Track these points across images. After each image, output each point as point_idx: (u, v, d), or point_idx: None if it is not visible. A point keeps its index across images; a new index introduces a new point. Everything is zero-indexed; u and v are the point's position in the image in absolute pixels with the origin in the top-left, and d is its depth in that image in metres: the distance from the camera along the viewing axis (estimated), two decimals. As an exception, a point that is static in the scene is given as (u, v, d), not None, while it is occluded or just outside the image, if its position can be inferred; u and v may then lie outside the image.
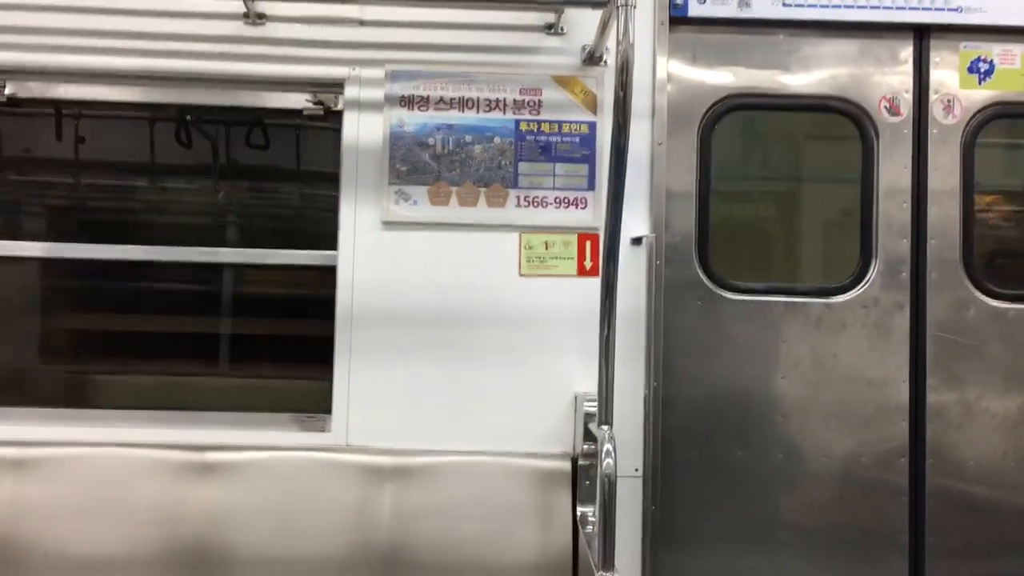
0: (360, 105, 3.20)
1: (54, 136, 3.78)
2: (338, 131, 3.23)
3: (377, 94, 3.19)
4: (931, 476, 3.23)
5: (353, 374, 3.16)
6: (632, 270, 3.15)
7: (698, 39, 3.26)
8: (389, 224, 3.18)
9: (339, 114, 3.23)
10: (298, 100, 3.26)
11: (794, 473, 3.22)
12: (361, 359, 3.16)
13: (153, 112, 3.85)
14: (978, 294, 3.25)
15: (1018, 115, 3.35)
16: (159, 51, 3.17)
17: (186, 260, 3.42)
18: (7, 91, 3.23)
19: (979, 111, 3.27)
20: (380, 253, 3.18)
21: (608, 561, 2.54)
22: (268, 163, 4.06)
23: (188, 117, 3.87)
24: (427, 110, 3.20)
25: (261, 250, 3.40)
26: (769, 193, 3.69)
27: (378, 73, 3.20)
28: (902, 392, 3.24)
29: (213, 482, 3.06)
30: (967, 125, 3.27)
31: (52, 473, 3.06)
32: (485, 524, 3.06)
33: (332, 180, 3.25)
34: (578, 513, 3.07)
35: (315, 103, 3.25)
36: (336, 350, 3.17)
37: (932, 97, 3.28)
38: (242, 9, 3.14)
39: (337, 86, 3.21)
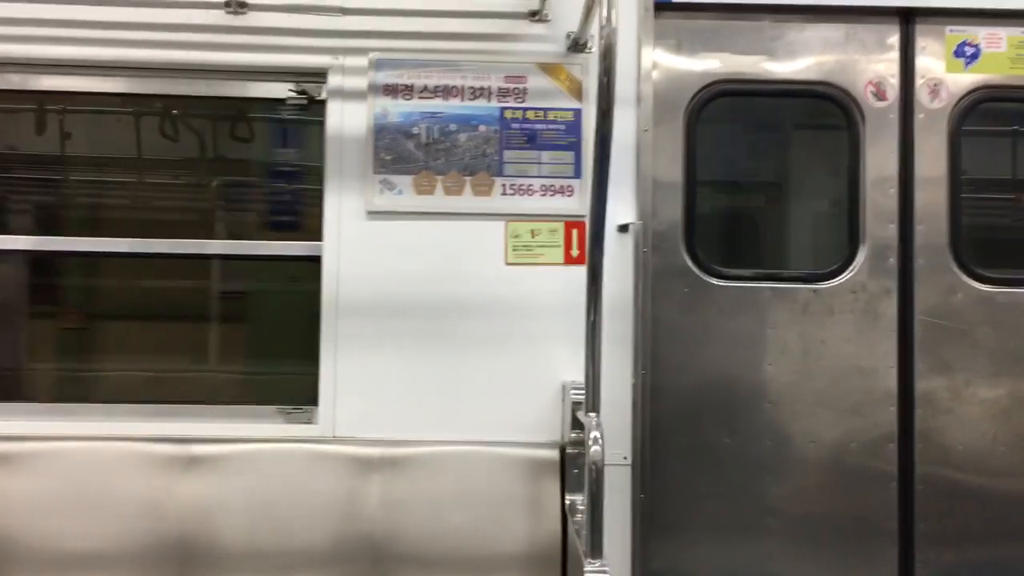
0: (344, 94, 3.18)
1: (38, 131, 3.76)
2: (322, 122, 3.20)
3: (361, 83, 3.17)
4: (920, 462, 3.22)
5: (339, 365, 3.14)
6: (619, 258, 3.13)
7: (683, 25, 3.24)
8: (374, 213, 3.16)
9: (322, 104, 3.21)
10: (281, 90, 3.24)
11: (783, 460, 3.21)
12: (347, 350, 3.15)
13: (138, 106, 3.83)
14: (966, 279, 3.24)
15: (1005, 99, 3.34)
16: (140, 41, 3.15)
17: (172, 252, 3.40)
18: (-14, 83, 3.22)
19: (965, 95, 3.26)
20: (365, 243, 3.16)
21: (596, 548, 2.52)
22: (254, 156, 4.05)
23: (175, 111, 3.84)
24: (411, 98, 3.18)
25: (247, 241, 3.38)
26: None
27: (361, 62, 3.18)
28: (890, 378, 3.23)
29: (199, 475, 3.04)
30: (954, 109, 3.25)
31: (38, 467, 3.04)
32: (473, 514, 3.06)
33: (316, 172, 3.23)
34: (566, 502, 3.06)
35: (298, 92, 3.23)
36: (322, 341, 3.15)
37: (918, 82, 3.26)
38: (223, -3, 3.12)
39: (320, 75, 3.19)
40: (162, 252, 3.34)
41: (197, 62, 3.18)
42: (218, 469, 3.05)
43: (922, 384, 3.23)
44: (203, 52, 3.16)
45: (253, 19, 3.16)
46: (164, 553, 2.98)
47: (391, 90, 3.17)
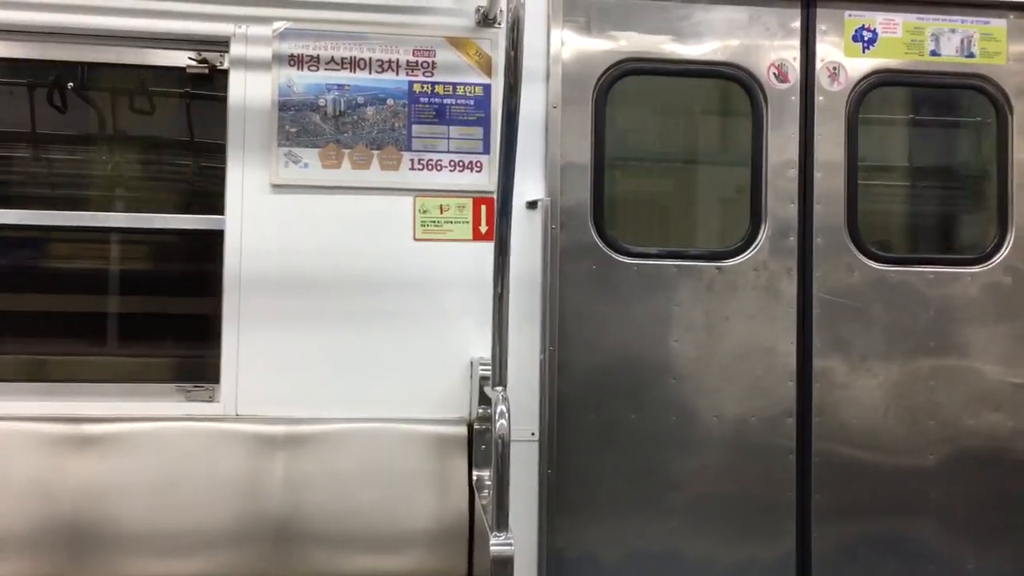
0: (247, 64, 3.09)
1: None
2: (224, 96, 3.12)
3: (265, 53, 3.10)
4: (817, 436, 3.30)
5: (242, 342, 3.07)
6: (527, 234, 3.14)
7: (592, 3, 3.25)
8: (278, 187, 3.10)
9: (225, 75, 3.12)
10: (182, 58, 3.14)
11: (687, 436, 3.26)
12: (250, 326, 3.07)
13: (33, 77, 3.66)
14: (862, 258, 3.34)
15: (899, 83, 3.45)
16: (36, 4, 3.01)
17: (69, 225, 3.27)
18: None
19: (863, 78, 3.35)
20: (269, 217, 3.10)
21: (502, 522, 2.52)
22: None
23: (70, 85, 3.68)
24: (318, 70, 3.12)
25: (146, 215, 3.28)
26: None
27: (265, 31, 3.10)
28: (790, 354, 3.31)
29: (93, 455, 2.94)
30: (852, 92, 3.34)
31: (-79, 449, 2.89)
32: (380, 492, 3.03)
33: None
34: (474, 478, 3.05)
35: (199, 62, 3.13)
36: (224, 317, 3.08)
37: (819, 65, 3.34)
38: (121, -39, 3.01)
39: (223, 44, 3.10)
40: (57, 224, 3.22)
41: (94, 27, 3.05)
42: (113, 449, 2.95)
43: (819, 360, 3.31)
44: (100, 17, 3.03)
45: (151, -18, 3.05)
46: (56, 536, 2.87)
47: (296, 61, 3.10)
